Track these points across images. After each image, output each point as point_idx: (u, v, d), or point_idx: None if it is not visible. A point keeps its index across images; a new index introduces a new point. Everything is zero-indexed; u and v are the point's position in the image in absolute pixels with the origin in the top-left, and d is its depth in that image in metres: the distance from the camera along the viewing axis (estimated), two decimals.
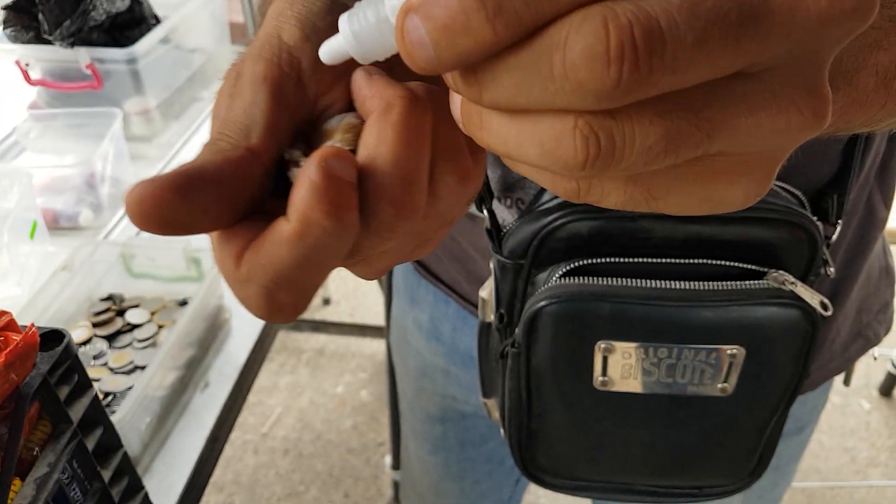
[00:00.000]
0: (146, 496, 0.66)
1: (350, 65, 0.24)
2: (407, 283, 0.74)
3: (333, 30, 0.23)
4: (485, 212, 0.48)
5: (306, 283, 0.22)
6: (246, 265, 0.22)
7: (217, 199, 0.22)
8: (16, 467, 0.50)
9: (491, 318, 0.53)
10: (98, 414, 0.59)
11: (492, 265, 0.51)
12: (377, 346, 2.05)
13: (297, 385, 1.95)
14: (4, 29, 1.04)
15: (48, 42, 1.02)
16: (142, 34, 1.08)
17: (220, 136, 0.23)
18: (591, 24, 0.15)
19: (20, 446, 0.52)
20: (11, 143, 1.05)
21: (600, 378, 0.49)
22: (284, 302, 0.23)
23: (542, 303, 0.46)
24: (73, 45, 1.01)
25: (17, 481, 0.51)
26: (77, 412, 0.56)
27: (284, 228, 0.21)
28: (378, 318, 2.09)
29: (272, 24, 0.26)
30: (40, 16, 1.01)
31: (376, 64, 0.24)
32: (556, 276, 0.46)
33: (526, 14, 0.15)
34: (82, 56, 1.01)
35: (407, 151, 0.22)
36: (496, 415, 0.60)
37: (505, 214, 0.51)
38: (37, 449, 0.54)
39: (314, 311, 2.16)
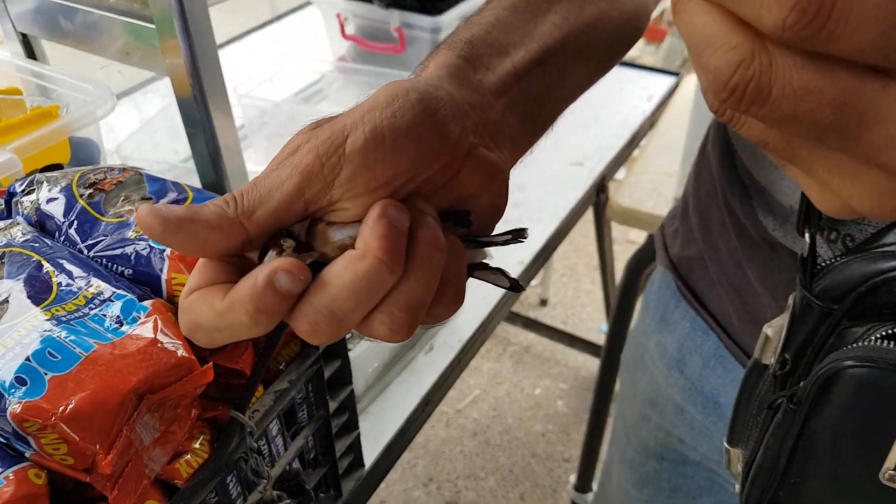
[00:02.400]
0: (358, 437, 0.69)
1: (383, 190, 0.28)
2: (661, 300, 0.68)
3: (410, 137, 0.29)
4: (806, 236, 0.41)
5: (220, 342, 0.28)
6: (184, 300, 0.28)
7: (196, 244, 0.27)
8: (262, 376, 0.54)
9: (770, 360, 0.46)
10: (340, 347, 0.61)
11: (790, 301, 0.43)
12: (583, 361, 1.98)
13: (498, 374, 1.96)
14: None
15: (368, 0, 1.10)
16: (449, 6, 1.13)
17: (235, 199, 0.28)
18: None
19: (272, 358, 0.56)
20: (317, 90, 1.16)
21: (890, 471, 0.40)
22: (197, 341, 0.28)
23: (849, 362, 0.38)
24: (387, 6, 1.09)
25: (260, 388, 0.55)
26: None
27: (216, 304, 0.27)
28: (591, 334, 2.02)
29: (350, 121, 0.29)
30: None
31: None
32: (877, 335, 0.38)
33: None
34: (394, 18, 1.08)
35: (348, 296, 0.26)
36: (737, 468, 0.52)
37: (823, 249, 0.43)
38: (283, 364, 0.58)
39: (528, 309, 2.16)
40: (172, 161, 0.92)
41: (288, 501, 0.52)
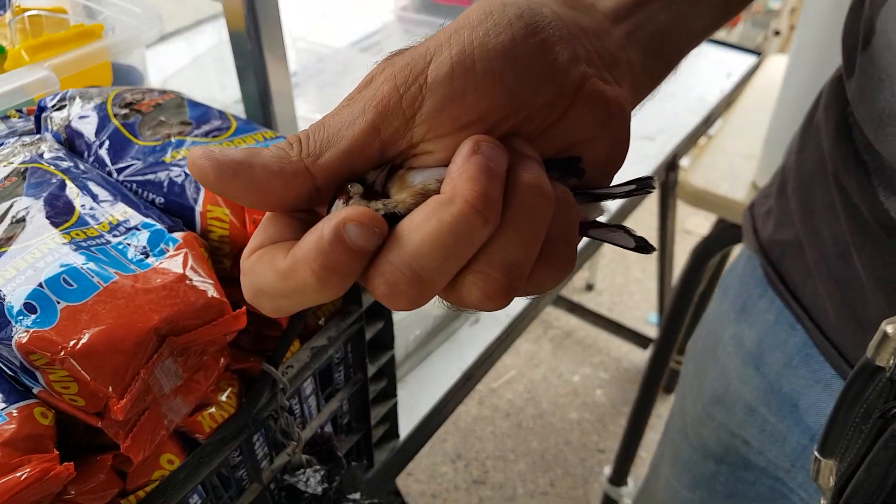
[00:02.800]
0: (395, 406, 0.64)
1: (475, 127, 0.24)
2: (743, 286, 0.61)
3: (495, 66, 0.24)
4: None
5: (288, 309, 0.24)
6: (245, 261, 0.24)
7: (254, 192, 0.23)
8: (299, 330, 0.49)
9: (888, 362, 0.39)
10: (383, 309, 0.56)
11: None
12: (627, 351, 1.91)
13: (535, 356, 1.91)
14: None
15: None
16: None
17: (300, 140, 0.24)
18: None
19: (311, 311, 0.51)
20: (374, 41, 1.10)
21: None
22: (262, 308, 0.24)
23: None
24: None
25: (297, 343, 0.51)
26: (368, 299, 0.54)
27: (278, 263, 0.23)
28: (637, 324, 1.95)
29: (434, 44, 0.24)
30: None
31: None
32: None
33: None
34: None
35: (432, 251, 0.22)
36: (828, 481, 0.46)
37: None
38: (322, 319, 0.53)
39: (573, 293, 2.08)
40: (220, 100, 0.87)
41: (317, 467, 0.48)
